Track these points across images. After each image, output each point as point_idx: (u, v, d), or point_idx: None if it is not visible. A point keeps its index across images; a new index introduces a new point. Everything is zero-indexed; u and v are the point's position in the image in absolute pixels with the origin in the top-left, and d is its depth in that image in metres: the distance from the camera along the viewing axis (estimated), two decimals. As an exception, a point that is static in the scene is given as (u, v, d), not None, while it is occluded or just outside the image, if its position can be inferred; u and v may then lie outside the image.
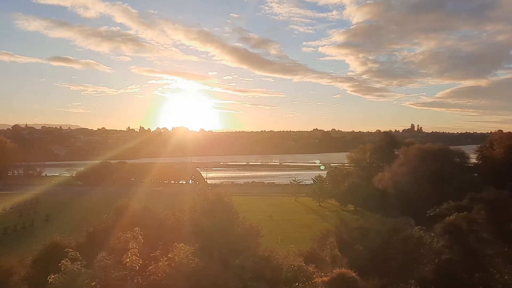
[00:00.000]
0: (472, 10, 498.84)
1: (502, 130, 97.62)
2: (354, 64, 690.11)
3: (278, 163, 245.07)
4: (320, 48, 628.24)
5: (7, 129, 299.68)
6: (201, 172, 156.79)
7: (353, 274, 22.78)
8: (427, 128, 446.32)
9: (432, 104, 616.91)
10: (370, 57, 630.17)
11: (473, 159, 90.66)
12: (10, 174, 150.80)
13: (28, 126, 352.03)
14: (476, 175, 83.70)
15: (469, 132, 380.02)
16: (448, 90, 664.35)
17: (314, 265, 24.83)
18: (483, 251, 29.73)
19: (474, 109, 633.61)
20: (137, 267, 15.60)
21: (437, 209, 45.16)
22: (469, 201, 42.25)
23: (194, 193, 34.88)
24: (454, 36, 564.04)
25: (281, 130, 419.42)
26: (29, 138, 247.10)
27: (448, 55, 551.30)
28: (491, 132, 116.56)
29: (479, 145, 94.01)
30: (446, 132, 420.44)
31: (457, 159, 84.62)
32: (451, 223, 33.60)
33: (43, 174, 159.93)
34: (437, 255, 29.69)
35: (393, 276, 26.81)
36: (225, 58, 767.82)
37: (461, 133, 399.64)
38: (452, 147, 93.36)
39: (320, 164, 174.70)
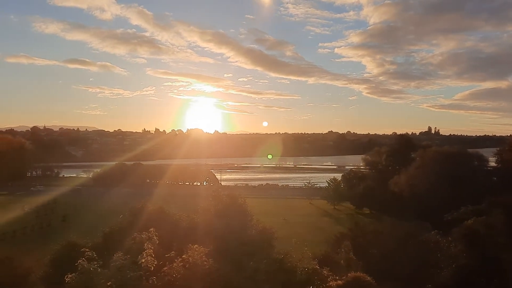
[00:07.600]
0: (493, 9, 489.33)
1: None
2: (371, 65, 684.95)
3: (293, 166, 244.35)
4: (336, 49, 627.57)
5: (26, 130, 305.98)
6: (215, 174, 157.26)
7: (368, 278, 22.58)
8: (445, 130, 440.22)
9: (450, 106, 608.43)
10: (387, 59, 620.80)
11: (492, 162, 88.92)
12: (29, 175, 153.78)
13: (46, 127, 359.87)
14: (495, 179, 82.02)
15: (488, 135, 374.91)
16: (467, 92, 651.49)
17: (328, 268, 24.70)
18: (502, 257, 29.09)
19: (493, 112, 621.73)
20: (152, 268, 15.75)
21: (455, 213, 44.52)
22: (488, 206, 41.60)
23: (208, 195, 34.97)
24: (474, 36, 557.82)
25: (296, 132, 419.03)
26: (47, 140, 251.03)
27: (468, 56, 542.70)
28: (510, 135, 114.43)
29: (498, 148, 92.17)
30: (464, 135, 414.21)
31: (476, 163, 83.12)
32: (469, 228, 32.99)
33: (61, 175, 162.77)
34: (454, 260, 29.15)
35: (409, 281, 26.47)
36: (240, 59, 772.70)
37: (479, 135, 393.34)
38: (470, 150, 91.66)
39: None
